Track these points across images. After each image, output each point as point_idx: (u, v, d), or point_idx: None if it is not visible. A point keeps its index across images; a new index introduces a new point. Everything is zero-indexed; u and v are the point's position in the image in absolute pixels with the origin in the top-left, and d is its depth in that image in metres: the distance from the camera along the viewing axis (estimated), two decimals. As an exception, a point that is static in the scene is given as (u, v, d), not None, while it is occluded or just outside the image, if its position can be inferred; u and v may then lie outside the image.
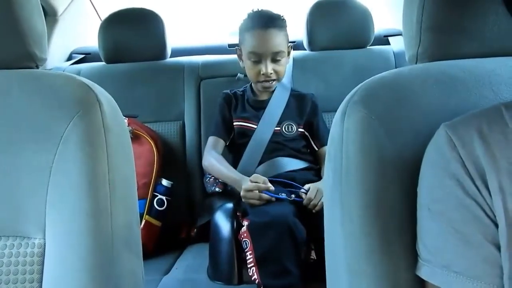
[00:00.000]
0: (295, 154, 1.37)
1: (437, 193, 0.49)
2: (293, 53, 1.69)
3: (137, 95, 1.64)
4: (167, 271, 1.28)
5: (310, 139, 1.44)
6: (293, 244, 1.07)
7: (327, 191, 0.62)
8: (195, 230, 1.48)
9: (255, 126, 1.41)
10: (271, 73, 1.36)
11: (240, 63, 1.47)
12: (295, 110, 1.45)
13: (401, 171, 0.55)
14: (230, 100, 1.47)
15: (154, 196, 1.43)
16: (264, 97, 1.47)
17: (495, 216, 0.44)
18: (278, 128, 1.40)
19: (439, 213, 0.48)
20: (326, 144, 1.40)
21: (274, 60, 1.36)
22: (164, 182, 1.45)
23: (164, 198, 1.44)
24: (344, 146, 0.58)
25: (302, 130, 1.43)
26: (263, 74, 1.36)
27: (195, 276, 1.21)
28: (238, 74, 1.63)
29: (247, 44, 1.37)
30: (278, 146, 1.35)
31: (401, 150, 0.55)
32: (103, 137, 0.62)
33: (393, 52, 1.69)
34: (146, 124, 1.56)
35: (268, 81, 1.38)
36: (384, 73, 0.62)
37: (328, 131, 1.51)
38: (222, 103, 1.47)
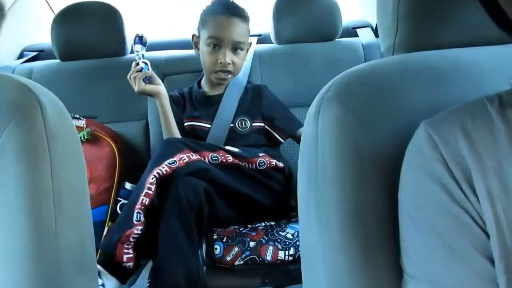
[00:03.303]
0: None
1: (419, 198, 0.43)
2: (260, 46, 1.65)
3: (96, 94, 1.56)
4: (133, 281, 1.20)
5: (273, 133, 1.39)
6: None
7: (301, 198, 0.56)
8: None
9: (208, 126, 1.36)
10: (228, 63, 1.31)
11: (195, 51, 1.41)
12: (250, 104, 1.40)
13: (382, 173, 0.50)
14: (178, 102, 1.42)
15: (117, 201, 1.34)
16: (215, 92, 1.41)
17: (485, 225, 0.39)
18: (232, 125, 1.35)
19: (422, 221, 0.43)
20: (292, 133, 1.37)
21: (234, 50, 1.32)
22: (128, 185, 1.36)
23: (128, 203, 1.36)
24: (319, 147, 0.52)
25: (261, 124, 1.38)
26: (220, 63, 1.30)
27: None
28: None
29: (208, 29, 1.31)
30: (230, 142, 1.31)
31: (381, 149, 0.50)
32: (46, 144, 0.54)
33: (362, 44, 1.67)
34: (106, 125, 1.49)
35: (224, 71, 1.32)
36: (359, 66, 0.57)
37: (292, 117, 1.45)
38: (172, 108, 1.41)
